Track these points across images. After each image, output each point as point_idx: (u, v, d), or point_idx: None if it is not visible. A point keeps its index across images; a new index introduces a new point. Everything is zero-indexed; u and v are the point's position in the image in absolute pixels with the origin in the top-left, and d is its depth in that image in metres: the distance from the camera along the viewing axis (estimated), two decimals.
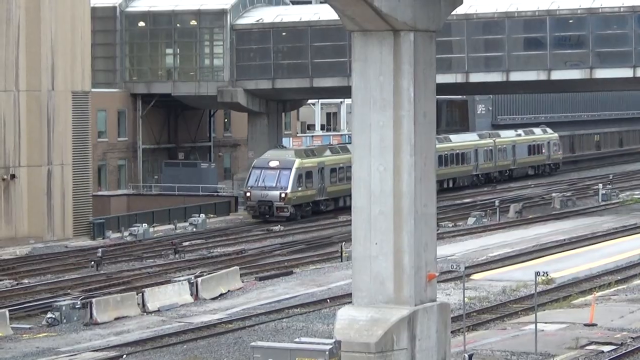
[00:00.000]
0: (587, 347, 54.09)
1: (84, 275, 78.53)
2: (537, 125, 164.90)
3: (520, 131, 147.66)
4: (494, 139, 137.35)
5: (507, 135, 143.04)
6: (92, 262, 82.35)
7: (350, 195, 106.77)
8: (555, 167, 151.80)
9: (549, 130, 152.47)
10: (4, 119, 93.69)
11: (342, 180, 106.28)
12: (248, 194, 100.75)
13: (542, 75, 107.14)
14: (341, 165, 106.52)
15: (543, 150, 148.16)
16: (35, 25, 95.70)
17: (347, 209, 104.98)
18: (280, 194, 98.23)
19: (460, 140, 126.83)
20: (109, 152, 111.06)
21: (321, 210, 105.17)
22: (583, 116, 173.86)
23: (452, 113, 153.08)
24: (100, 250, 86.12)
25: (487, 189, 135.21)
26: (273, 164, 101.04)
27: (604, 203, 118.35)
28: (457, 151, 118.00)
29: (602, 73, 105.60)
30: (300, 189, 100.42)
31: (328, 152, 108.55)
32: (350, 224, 47.79)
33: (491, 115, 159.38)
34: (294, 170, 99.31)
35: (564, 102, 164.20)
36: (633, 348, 53.47)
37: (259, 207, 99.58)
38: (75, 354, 55.05)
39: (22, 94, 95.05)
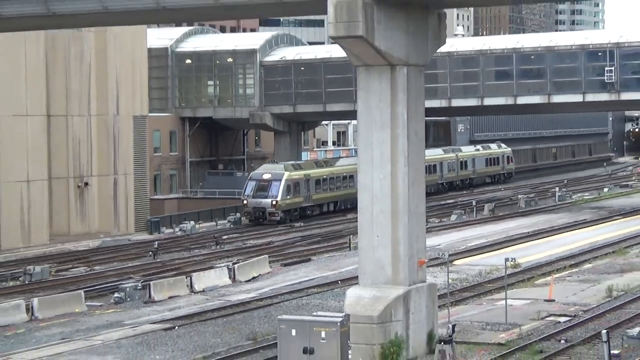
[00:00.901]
0: (547, 319, 54.29)
1: (144, 263, 78.63)
2: (506, 140, 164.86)
3: (479, 146, 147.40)
4: (456, 153, 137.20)
5: (468, 150, 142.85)
6: (150, 252, 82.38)
7: (332, 202, 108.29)
8: (509, 175, 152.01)
9: (503, 145, 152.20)
10: (79, 138, 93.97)
11: (326, 189, 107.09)
12: (245, 202, 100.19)
13: (509, 100, 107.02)
14: (324, 176, 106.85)
15: (498, 162, 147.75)
16: (103, 63, 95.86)
17: (329, 213, 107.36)
18: (272, 201, 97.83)
19: (429, 155, 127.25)
20: (162, 164, 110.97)
21: (308, 215, 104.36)
22: (543, 133, 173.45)
23: (438, 131, 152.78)
24: (156, 242, 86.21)
25: (466, 192, 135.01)
26: (266, 176, 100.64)
27: (559, 203, 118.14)
28: (426, 164, 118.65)
29: (558, 98, 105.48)
30: (289, 197, 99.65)
31: (313, 166, 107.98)
32: (356, 221, 48.10)
33: (469, 133, 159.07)
34: (283, 181, 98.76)
35: (527, 121, 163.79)
36: (584, 319, 53.80)
37: (254, 213, 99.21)
38: (137, 326, 55.13)
39: (93, 118, 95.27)
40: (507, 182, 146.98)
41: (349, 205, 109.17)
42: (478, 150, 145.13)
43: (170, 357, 48.02)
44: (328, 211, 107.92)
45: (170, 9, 49.58)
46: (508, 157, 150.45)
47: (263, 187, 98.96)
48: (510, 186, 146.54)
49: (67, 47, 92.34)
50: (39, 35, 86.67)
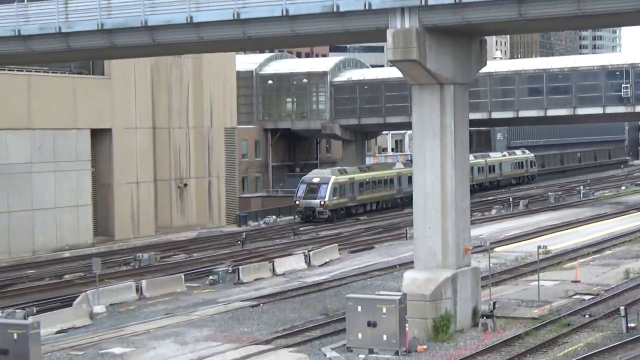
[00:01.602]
0: (574, 297, 53.87)
1: (234, 251, 78.77)
2: (537, 146, 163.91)
3: (505, 152, 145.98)
4: (485, 158, 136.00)
5: (496, 155, 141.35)
6: (239, 242, 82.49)
7: (374, 202, 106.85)
8: (532, 177, 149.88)
9: (527, 151, 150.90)
10: (179, 146, 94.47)
11: (368, 191, 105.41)
12: (298, 202, 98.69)
13: (540, 113, 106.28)
14: (367, 180, 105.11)
15: (523, 166, 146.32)
16: (199, 84, 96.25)
17: (372, 212, 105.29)
18: (320, 202, 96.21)
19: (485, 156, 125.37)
20: (249, 168, 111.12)
21: (352, 213, 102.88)
22: (569, 140, 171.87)
23: (480, 139, 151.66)
24: (244, 233, 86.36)
25: (504, 190, 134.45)
26: (315, 180, 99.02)
27: (584, 199, 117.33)
28: (481, 164, 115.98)
29: (581, 111, 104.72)
30: (335, 198, 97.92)
31: (357, 171, 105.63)
32: (412, 215, 47.91)
33: (507, 140, 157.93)
34: (330, 184, 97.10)
35: (556, 130, 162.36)
36: (605, 297, 53.40)
37: (305, 212, 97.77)
38: (228, 303, 55.25)
39: (190, 130, 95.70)
40: (531, 183, 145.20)
41: (389, 205, 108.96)
42: (505, 156, 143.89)
43: (256, 329, 48.09)
44: (371, 210, 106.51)
45: (254, 39, 49.70)
46: (531, 161, 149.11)
47: (313, 190, 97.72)
48: (541, 185, 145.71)
49: (169, 71, 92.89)
50: (146, 61, 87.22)
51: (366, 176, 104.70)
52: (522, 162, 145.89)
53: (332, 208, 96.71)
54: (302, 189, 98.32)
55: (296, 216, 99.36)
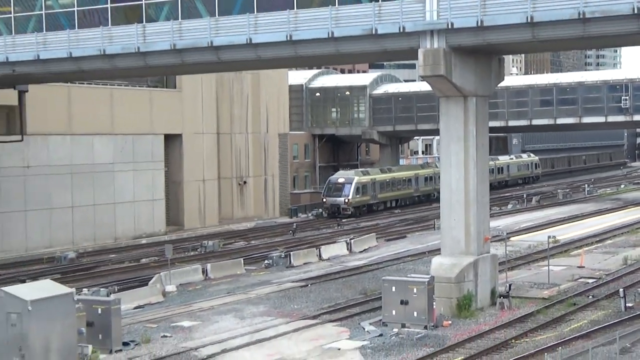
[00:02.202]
0: (579, 280, 53.60)
1: (286, 239, 78.83)
2: (547, 150, 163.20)
3: (512, 156, 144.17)
4: (494, 161, 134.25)
5: (504, 158, 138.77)
6: (290, 231, 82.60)
7: (394, 200, 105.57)
8: (536, 178, 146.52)
9: (532, 155, 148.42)
10: (240, 149, 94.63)
11: (388, 190, 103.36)
12: (324, 200, 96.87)
13: (551, 121, 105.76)
14: (387, 180, 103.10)
15: (528, 168, 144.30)
16: (257, 95, 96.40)
17: (392, 208, 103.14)
18: (345, 199, 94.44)
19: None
20: (299, 168, 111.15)
21: (374, 210, 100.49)
22: (575, 144, 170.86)
23: (498, 144, 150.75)
24: (294, 224, 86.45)
25: (519, 188, 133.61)
26: (340, 180, 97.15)
27: (588, 195, 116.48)
28: None
29: (586, 119, 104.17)
30: (358, 196, 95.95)
31: (378, 172, 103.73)
32: (439, 209, 47.83)
33: (521, 145, 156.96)
34: (353, 184, 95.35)
35: (564, 136, 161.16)
36: (606, 280, 53.13)
37: (330, 208, 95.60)
38: (281, 284, 55.31)
39: (249, 135, 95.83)
40: (535, 183, 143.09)
41: (407, 202, 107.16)
42: (512, 158, 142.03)
43: (305, 306, 48.13)
44: (391, 207, 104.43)
45: (304, 57, 49.77)
46: (535, 163, 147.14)
47: (338, 189, 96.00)
48: (551, 183, 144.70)
49: (231, 85, 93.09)
50: (211, 76, 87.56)
51: (386, 177, 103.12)
52: (527, 164, 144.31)
53: (355, 205, 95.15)
54: (328, 188, 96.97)
55: (324, 212, 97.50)
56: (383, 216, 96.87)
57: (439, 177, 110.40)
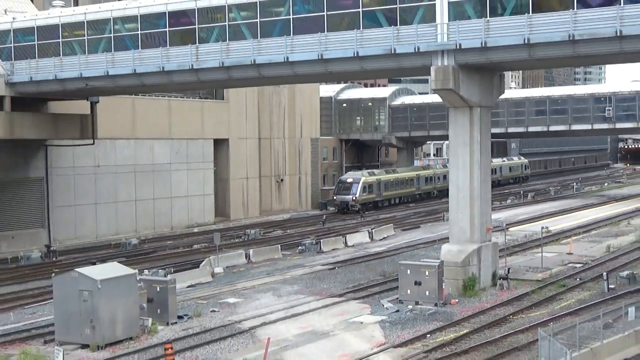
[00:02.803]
0: (568, 265, 53.44)
1: (317, 228, 78.90)
2: (541, 153, 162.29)
3: (504, 158, 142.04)
4: (506, 161, 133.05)
5: (497, 160, 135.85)
6: (320, 222, 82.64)
7: (397, 197, 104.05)
8: (526, 178, 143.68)
9: (522, 157, 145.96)
10: (278, 152, 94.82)
11: (392, 189, 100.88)
12: (335, 198, 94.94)
13: (544, 128, 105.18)
14: (391, 180, 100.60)
15: (518, 169, 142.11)
16: (292, 106, 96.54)
17: (394, 205, 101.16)
18: (352, 197, 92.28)
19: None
20: (328, 167, 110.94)
21: (379, 207, 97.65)
22: (565, 148, 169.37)
23: (498, 147, 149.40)
24: (324, 216, 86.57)
25: (516, 185, 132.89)
26: (349, 180, 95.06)
27: (576, 192, 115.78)
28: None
29: (575, 127, 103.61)
30: (364, 194, 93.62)
31: (383, 173, 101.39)
32: (447, 204, 47.64)
33: (519, 148, 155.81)
34: (360, 183, 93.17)
35: (556, 141, 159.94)
36: (592, 265, 52.88)
37: (340, 205, 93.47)
38: (312, 267, 55.33)
39: (286, 139, 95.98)
40: (525, 182, 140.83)
41: (409, 199, 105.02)
42: (504, 161, 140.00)
43: (332, 286, 48.16)
44: (395, 204, 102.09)
45: (333, 73, 49.73)
46: (525, 165, 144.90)
47: (347, 187, 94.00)
48: (544, 182, 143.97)
49: (271, 97, 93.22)
50: (254, 89, 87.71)
51: (390, 177, 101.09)
52: (518, 166, 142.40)
53: (361, 202, 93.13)
54: (338, 187, 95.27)
55: (334, 208, 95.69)
56: (386, 211, 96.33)
57: (438, 177, 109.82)
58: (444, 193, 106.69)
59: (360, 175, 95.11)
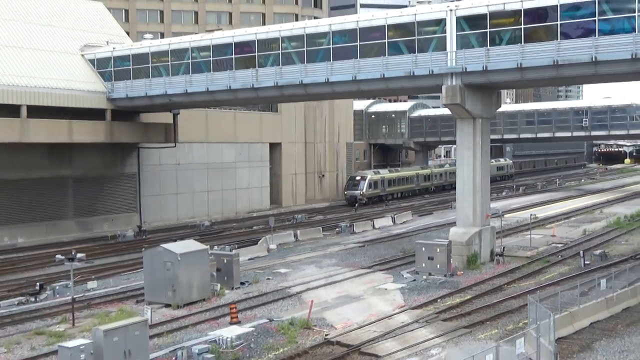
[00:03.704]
0: (551, 245, 52.89)
1: (350, 214, 78.65)
2: (531, 154, 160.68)
3: (493, 160, 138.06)
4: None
5: None
6: (354, 209, 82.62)
7: (399, 192, 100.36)
8: (511, 176, 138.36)
9: (508, 159, 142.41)
10: (320, 153, 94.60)
11: (395, 185, 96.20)
12: (345, 192, 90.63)
13: (533, 135, 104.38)
14: (394, 178, 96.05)
15: (505, 169, 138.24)
16: (332, 116, 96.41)
17: (398, 199, 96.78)
18: (360, 192, 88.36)
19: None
20: (359, 166, 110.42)
21: (383, 200, 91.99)
22: (550, 151, 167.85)
23: (496, 150, 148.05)
24: (356, 204, 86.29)
25: (510, 182, 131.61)
26: (357, 177, 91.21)
27: (559, 187, 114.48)
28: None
29: (558, 134, 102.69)
30: (370, 189, 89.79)
31: (387, 171, 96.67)
32: (455, 195, 47.29)
33: (512, 151, 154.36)
34: (367, 180, 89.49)
35: (543, 145, 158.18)
36: (571, 245, 52.29)
37: (349, 199, 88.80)
38: (346, 245, 55.20)
39: (326, 143, 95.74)
40: (510, 180, 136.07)
41: (410, 194, 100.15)
42: (493, 162, 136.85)
43: (362, 260, 48.12)
44: (397, 198, 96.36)
45: (364, 91, 49.56)
46: (510, 165, 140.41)
47: (355, 184, 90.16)
48: (534, 178, 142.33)
49: (314, 109, 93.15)
50: (301, 104, 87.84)
51: (393, 175, 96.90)
52: (504, 166, 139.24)
53: (368, 196, 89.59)
54: (349, 183, 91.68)
55: (345, 201, 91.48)
56: (406, 201, 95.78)
57: (435, 175, 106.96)
58: (439, 189, 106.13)
59: (367, 174, 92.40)
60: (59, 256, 49.54)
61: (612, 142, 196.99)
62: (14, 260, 49.75)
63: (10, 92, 52.68)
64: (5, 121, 52.34)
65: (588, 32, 38.68)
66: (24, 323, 33.37)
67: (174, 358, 27.27)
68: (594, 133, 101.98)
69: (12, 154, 56.91)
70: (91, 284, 40.98)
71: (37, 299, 37.97)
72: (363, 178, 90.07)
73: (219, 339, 28.76)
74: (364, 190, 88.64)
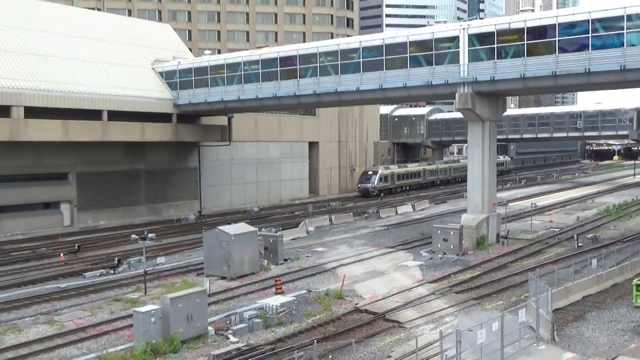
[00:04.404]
0: (549, 229, 51.98)
1: (377, 202, 78.22)
2: (532, 152, 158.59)
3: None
4: None
5: None
6: (380, 198, 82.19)
7: (407, 186, 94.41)
8: (508, 171, 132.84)
9: (507, 156, 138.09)
10: (351, 151, 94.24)
11: (403, 179, 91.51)
12: (359, 185, 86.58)
13: (534, 135, 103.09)
14: (402, 173, 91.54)
15: (504, 165, 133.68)
16: (361, 119, 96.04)
17: (406, 191, 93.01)
18: (371, 185, 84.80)
19: (464, 160, 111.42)
20: (384, 162, 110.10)
21: (392, 192, 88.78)
22: (549, 149, 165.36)
23: (501, 149, 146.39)
24: (382, 193, 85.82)
25: (512, 175, 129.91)
26: (370, 172, 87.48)
27: (556, 179, 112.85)
28: (461, 166, 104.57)
29: (556, 135, 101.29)
30: (381, 183, 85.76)
31: (396, 167, 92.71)
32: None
33: (516, 149, 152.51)
34: (378, 175, 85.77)
35: (543, 144, 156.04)
36: (566, 229, 51.33)
37: (362, 191, 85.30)
38: (374, 227, 54.95)
39: (357, 142, 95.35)
40: (508, 174, 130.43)
41: (416, 187, 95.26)
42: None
43: (387, 240, 47.88)
44: (405, 190, 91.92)
45: (389, 98, 49.27)
46: (508, 162, 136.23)
47: (368, 177, 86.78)
48: (534, 172, 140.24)
49: (347, 113, 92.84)
50: (335, 109, 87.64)
51: (402, 170, 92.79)
52: (503, 162, 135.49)
53: (378, 189, 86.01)
54: (361, 177, 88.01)
55: (358, 192, 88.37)
56: (424, 191, 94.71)
57: (440, 170, 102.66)
58: (444, 182, 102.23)
59: (378, 169, 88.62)
60: (133, 236, 50.48)
61: (602, 141, 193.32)
62: (97, 239, 50.56)
63: (94, 99, 53.58)
64: (90, 123, 53.27)
65: (582, 47, 38.14)
66: (104, 291, 33.93)
67: (228, 322, 27.48)
68: (586, 133, 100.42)
69: (95, 151, 57.82)
70: (160, 259, 41.45)
71: (116, 272, 38.56)
72: (374, 172, 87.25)
73: (265, 307, 28.91)
74: (375, 184, 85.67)
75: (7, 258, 42.73)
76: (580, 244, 43.99)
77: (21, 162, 52.71)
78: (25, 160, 52.97)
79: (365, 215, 62.95)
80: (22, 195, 52.90)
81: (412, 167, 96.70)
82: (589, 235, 46.41)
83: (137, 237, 49.98)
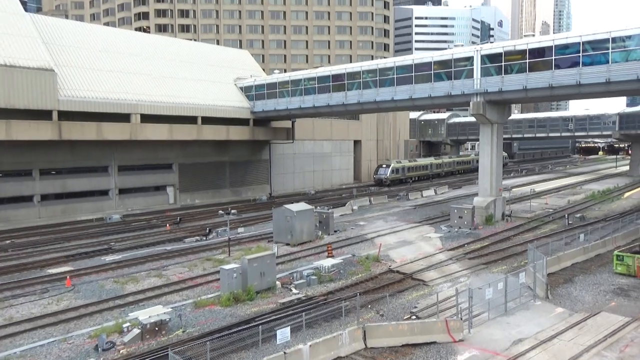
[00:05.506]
0: (545, 209, 50.24)
1: (407, 187, 77.03)
2: (532, 148, 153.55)
3: None
4: (478, 156, 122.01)
5: None
6: (409, 184, 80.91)
7: (417, 177, 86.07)
8: (506, 164, 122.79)
9: (504, 152, 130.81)
10: (386, 147, 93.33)
11: (413, 171, 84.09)
12: (374, 176, 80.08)
13: (533, 135, 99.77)
14: (412, 166, 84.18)
15: (502, 159, 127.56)
16: (395, 122, 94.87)
17: (415, 181, 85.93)
18: (384, 176, 78.53)
19: (466, 156, 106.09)
20: (413, 156, 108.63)
21: (403, 182, 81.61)
22: (546, 146, 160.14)
23: (505, 146, 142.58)
24: (410, 180, 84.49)
25: (514, 166, 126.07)
26: (384, 165, 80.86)
27: (551, 170, 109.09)
28: (463, 160, 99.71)
29: (551, 134, 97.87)
30: (393, 174, 79.51)
31: (407, 161, 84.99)
32: (477, 176, 45.71)
33: (518, 146, 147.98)
34: (391, 167, 79.52)
35: (541, 142, 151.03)
36: (559, 210, 49.65)
37: (377, 181, 78.84)
38: (404, 207, 54.13)
39: (391, 141, 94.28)
40: (504, 167, 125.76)
41: (424, 178, 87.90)
42: None
43: (414, 217, 47.27)
44: (415, 181, 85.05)
45: (418, 105, 48.50)
46: (505, 157, 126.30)
47: (382, 169, 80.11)
48: (532, 164, 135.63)
49: (383, 117, 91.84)
50: (374, 115, 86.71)
51: (412, 164, 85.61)
52: (502, 157, 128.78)
53: (391, 180, 79.80)
54: (376, 169, 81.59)
55: (374, 181, 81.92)
56: (443, 179, 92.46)
57: (445, 164, 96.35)
58: (448, 174, 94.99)
59: (391, 162, 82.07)
60: (220, 211, 51.48)
61: (589, 140, 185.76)
62: (193, 214, 51.71)
63: (191, 108, 54.70)
64: (188, 127, 54.48)
65: (574, 64, 36.84)
66: (198, 253, 34.77)
67: (291, 278, 27.82)
68: (577, 133, 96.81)
69: (192, 148, 59.10)
70: (240, 229, 42.11)
71: (207, 238, 39.41)
72: (388, 165, 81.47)
73: (320, 267, 29.11)
74: (388, 175, 79.91)
75: (128, 227, 44.26)
76: (570, 222, 42.58)
77: (138, 156, 54.50)
78: (141, 155, 54.70)
79: (397, 197, 62.27)
80: (139, 180, 54.64)
81: (420, 161, 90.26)
82: (578, 215, 44.85)
83: (223, 212, 50.93)
